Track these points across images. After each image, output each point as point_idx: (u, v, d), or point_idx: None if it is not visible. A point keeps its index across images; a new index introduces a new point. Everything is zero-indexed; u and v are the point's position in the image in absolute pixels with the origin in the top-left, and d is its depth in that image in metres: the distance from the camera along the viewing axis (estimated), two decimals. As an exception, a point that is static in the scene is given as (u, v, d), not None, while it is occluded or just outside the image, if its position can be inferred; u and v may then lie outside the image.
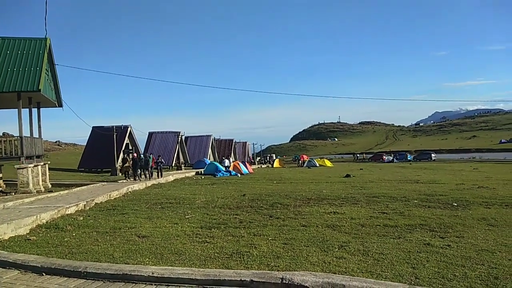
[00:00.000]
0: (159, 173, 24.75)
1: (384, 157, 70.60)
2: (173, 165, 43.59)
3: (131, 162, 22.90)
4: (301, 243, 6.73)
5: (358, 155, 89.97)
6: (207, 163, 35.24)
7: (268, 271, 5.00)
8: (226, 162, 35.68)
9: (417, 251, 6.05)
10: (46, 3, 15.64)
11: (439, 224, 8.12)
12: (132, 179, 22.15)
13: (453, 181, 19.15)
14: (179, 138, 46.71)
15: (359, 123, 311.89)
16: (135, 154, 23.38)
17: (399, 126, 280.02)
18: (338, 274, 4.93)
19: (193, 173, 30.06)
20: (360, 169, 37.27)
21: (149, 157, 24.09)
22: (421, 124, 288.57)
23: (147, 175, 22.93)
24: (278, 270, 5.10)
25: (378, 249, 6.20)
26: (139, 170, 22.46)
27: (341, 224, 8.37)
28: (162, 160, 25.99)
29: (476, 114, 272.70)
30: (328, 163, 53.36)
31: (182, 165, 44.62)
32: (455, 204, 10.71)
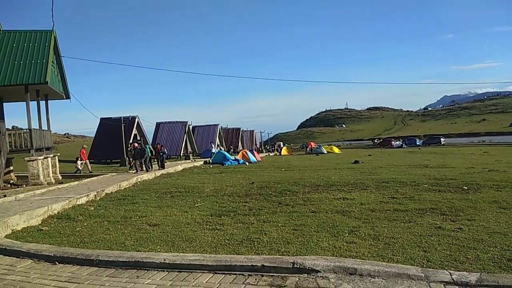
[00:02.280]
0: (161, 164, 23.09)
1: (393, 142, 70.20)
2: (181, 155, 43.76)
3: (132, 151, 21.93)
4: (311, 229, 6.72)
5: (376, 140, 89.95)
6: (215, 152, 35.37)
7: (279, 256, 5.01)
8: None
9: (428, 235, 6.00)
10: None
11: (450, 208, 8.05)
12: (137, 170, 21.12)
13: (463, 165, 18.96)
14: (187, 128, 46.85)
15: (367, 109, 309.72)
16: (136, 144, 22.43)
17: (407, 111, 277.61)
18: (349, 258, 4.91)
19: (201, 163, 30.18)
20: (369, 155, 37.09)
21: (146, 146, 22.91)
22: (429, 109, 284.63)
23: (147, 166, 21.30)
24: (289, 255, 5.11)
25: (389, 234, 6.16)
26: (140, 160, 21.22)
27: (351, 209, 8.34)
28: (165, 150, 24.62)
29: (485, 97, 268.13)
30: (336, 150, 53.13)
31: (190, 154, 44.80)
32: (466, 188, 10.60)
